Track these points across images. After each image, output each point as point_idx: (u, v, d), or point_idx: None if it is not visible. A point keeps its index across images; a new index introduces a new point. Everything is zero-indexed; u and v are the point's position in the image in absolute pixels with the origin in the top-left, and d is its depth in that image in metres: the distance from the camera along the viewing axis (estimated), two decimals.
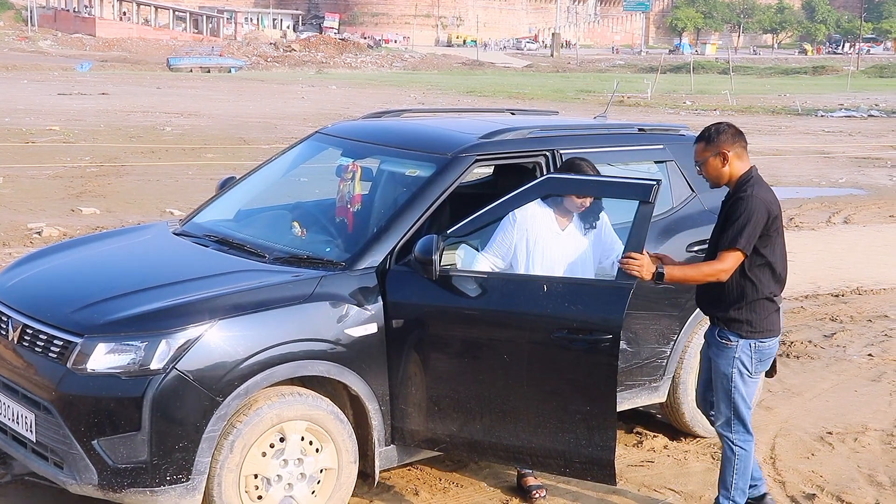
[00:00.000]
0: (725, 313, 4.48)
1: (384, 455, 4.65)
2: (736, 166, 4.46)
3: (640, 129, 5.92)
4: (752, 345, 4.49)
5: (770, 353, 4.57)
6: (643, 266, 4.25)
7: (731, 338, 4.48)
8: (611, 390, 4.31)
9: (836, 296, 9.62)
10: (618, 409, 5.47)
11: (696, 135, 4.61)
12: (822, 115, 35.90)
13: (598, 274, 4.70)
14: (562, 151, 5.28)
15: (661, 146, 5.84)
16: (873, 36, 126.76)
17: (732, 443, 4.58)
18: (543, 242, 4.66)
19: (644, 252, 4.32)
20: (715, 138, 4.47)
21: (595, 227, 4.80)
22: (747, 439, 4.61)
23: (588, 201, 4.73)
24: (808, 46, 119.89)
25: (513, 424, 4.51)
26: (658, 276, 4.30)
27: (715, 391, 4.61)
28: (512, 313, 4.47)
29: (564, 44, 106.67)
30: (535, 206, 4.70)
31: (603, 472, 4.43)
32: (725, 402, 4.56)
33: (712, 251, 4.52)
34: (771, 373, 6.14)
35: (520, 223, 4.66)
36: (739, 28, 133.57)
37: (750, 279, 4.42)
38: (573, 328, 4.28)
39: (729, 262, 4.35)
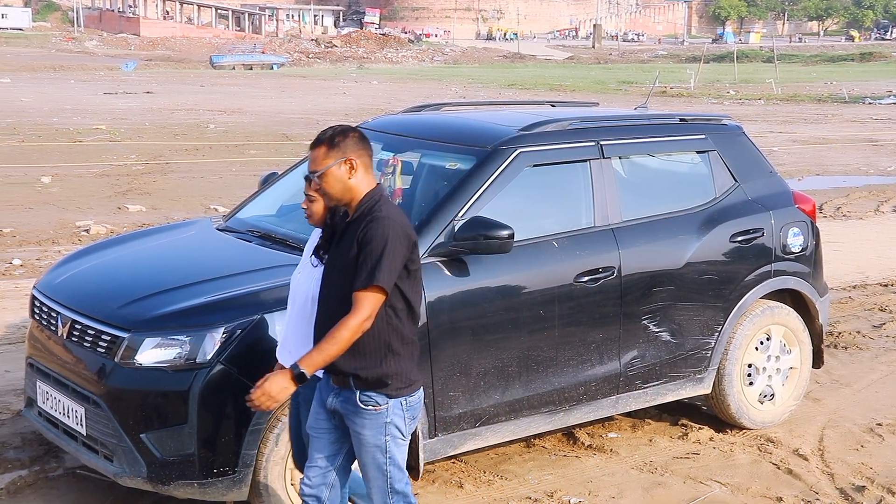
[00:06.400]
0: (368, 371, 3.53)
1: (428, 447, 4.66)
2: (363, 181, 3.58)
3: (681, 119, 5.87)
4: (403, 403, 3.61)
5: (420, 404, 3.70)
6: (265, 396, 3.45)
7: (380, 401, 3.56)
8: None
9: (885, 285, 9.46)
10: (662, 401, 5.51)
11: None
12: (869, 103, 35.33)
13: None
14: (603, 142, 5.28)
15: (703, 136, 5.79)
16: None
17: None
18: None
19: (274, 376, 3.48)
20: (340, 142, 3.57)
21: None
22: None
23: (312, 203, 3.70)
24: (854, 33, 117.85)
25: (544, 371, 4.98)
26: (300, 378, 3.46)
27: (364, 469, 3.66)
28: (536, 272, 4.92)
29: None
30: None
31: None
32: (381, 478, 3.62)
33: (338, 291, 3.53)
34: (818, 364, 6.11)
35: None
36: (784, 16, 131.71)
37: (393, 326, 3.55)
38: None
39: (369, 307, 3.45)
